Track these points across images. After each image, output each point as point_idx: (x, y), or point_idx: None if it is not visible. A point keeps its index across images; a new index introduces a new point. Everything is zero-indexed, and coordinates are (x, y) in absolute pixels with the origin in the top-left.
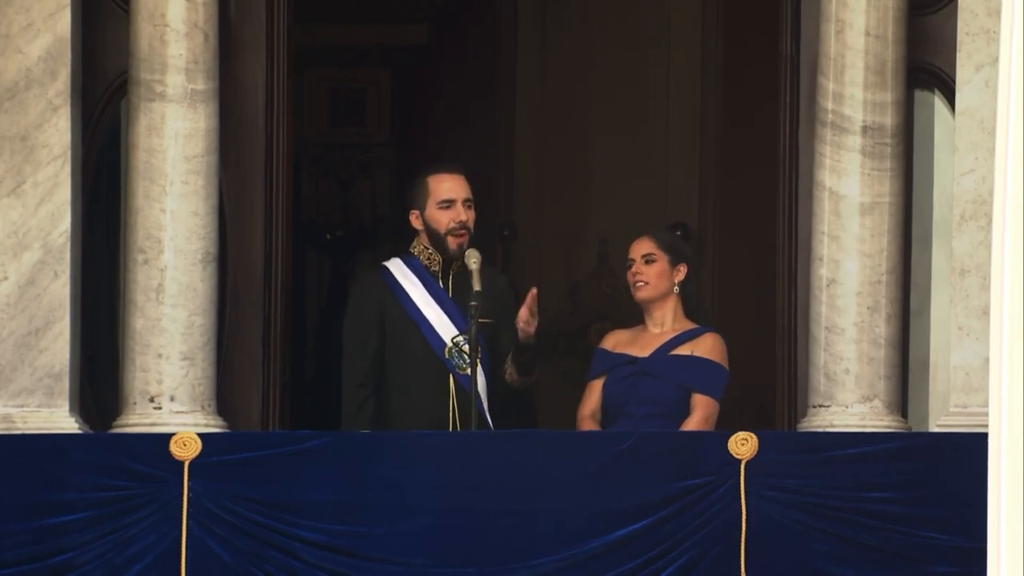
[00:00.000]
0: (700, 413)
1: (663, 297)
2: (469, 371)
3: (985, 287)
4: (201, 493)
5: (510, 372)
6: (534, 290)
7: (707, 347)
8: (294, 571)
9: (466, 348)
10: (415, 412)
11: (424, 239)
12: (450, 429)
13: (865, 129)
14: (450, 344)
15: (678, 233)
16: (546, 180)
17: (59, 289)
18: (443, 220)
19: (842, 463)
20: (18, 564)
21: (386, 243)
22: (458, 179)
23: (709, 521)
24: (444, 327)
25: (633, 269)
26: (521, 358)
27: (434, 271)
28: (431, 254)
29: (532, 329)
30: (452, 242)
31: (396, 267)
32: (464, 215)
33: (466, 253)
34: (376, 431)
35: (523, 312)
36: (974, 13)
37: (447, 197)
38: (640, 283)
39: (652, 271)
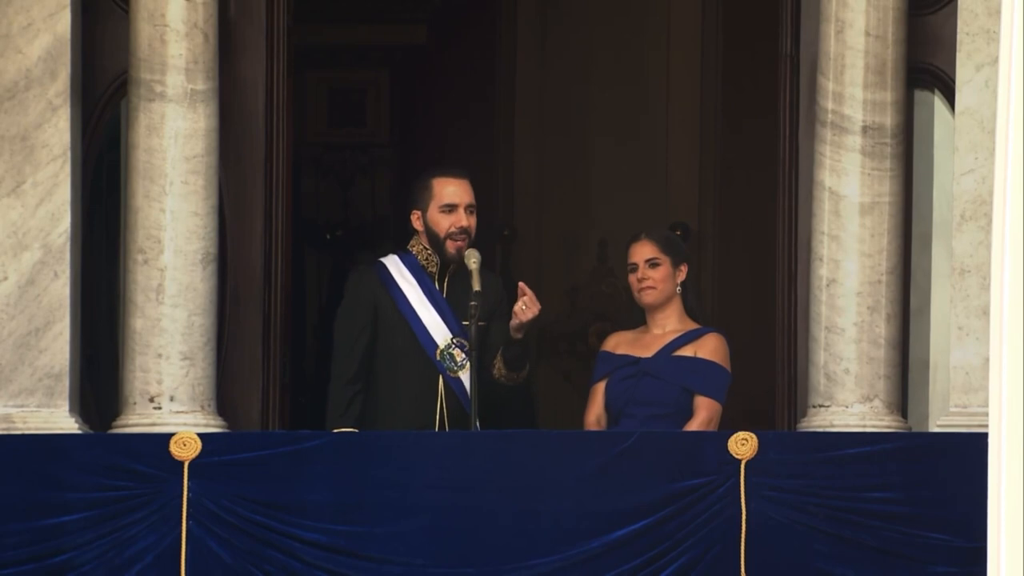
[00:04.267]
0: (703, 415)
1: (668, 299)
2: (460, 374)
3: (985, 287)
4: (201, 493)
5: (499, 367)
6: (522, 284)
7: (709, 348)
8: (294, 571)
9: (456, 352)
10: (402, 412)
11: (423, 239)
12: (436, 431)
13: (865, 129)
14: (442, 346)
15: (677, 233)
16: (546, 180)
17: (59, 289)
18: (444, 224)
19: (842, 463)
20: (18, 564)
21: (386, 243)
22: (463, 184)
23: (709, 521)
24: (437, 328)
25: (639, 274)
26: (510, 353)
27: (431, 272)
28: (429, 255)
29: (526, 317)
30: (451, 246)
31: (393, 264)
32: (466, 221)
33: (466, 253)
34: (375, 431)
35: (520, 304)
36: (974, 13)
37: (451, 201)
38: (647, 288)
39: (658, 275)
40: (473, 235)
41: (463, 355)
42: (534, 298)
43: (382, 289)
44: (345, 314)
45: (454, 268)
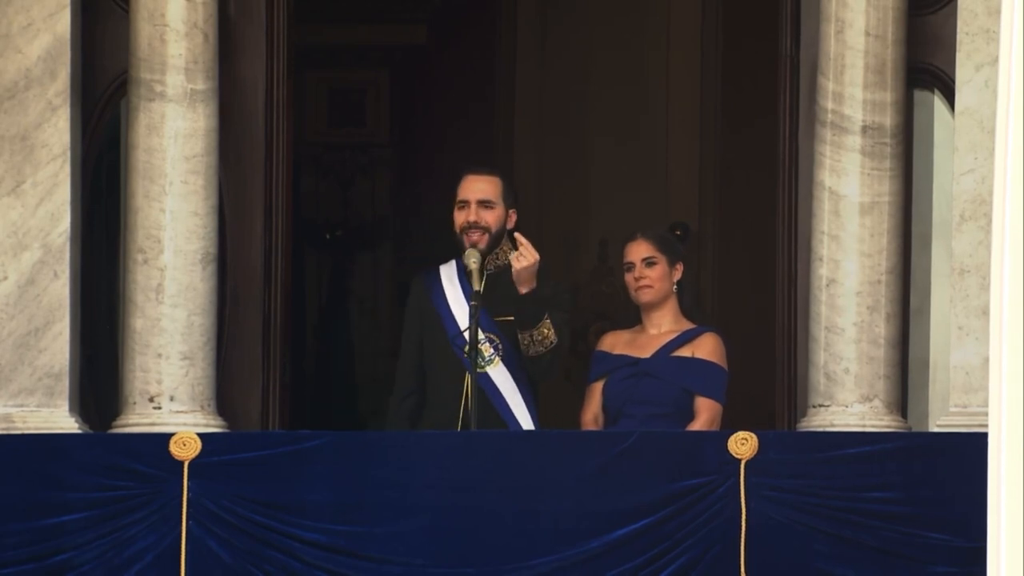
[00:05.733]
0: (705, 416)
1: (664, 298)
2: (488, 369)
3: (985, 287)
4: (201, 493)
5: (520, 340)
6: (518, 234)
7: (707, 349)
8: (294, 571)
9: (484, 347)
10: (440, 410)
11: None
12: (459, 427)
13: (865, 129)
14: (470, 342)
15: (677, 233)
16: (546, 180)
17: (59, 289)
18: (458, 220)
19: (842, 463)
20: (18, 564)
21: (386, 243)
22: (478, 179)
23: (709, 521)
24: (467, 324)
25: (635, 273)
26: (520, 314)
27: (469, 271)
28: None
29: (520, 265)
30: (466, 242)
31: (447, 268)
32: (474, 215)
33: (466, 253)
34: (376, 431)
35: (516, 253)
36: (974, 13)
37: (462, 197)
38: (644, 287)
39: (655, 274)
40: (491, 231)
41: (492, 350)
42: (530, 247)
43: (426, 294)
44: (404, 317)
45: (495, 265)
